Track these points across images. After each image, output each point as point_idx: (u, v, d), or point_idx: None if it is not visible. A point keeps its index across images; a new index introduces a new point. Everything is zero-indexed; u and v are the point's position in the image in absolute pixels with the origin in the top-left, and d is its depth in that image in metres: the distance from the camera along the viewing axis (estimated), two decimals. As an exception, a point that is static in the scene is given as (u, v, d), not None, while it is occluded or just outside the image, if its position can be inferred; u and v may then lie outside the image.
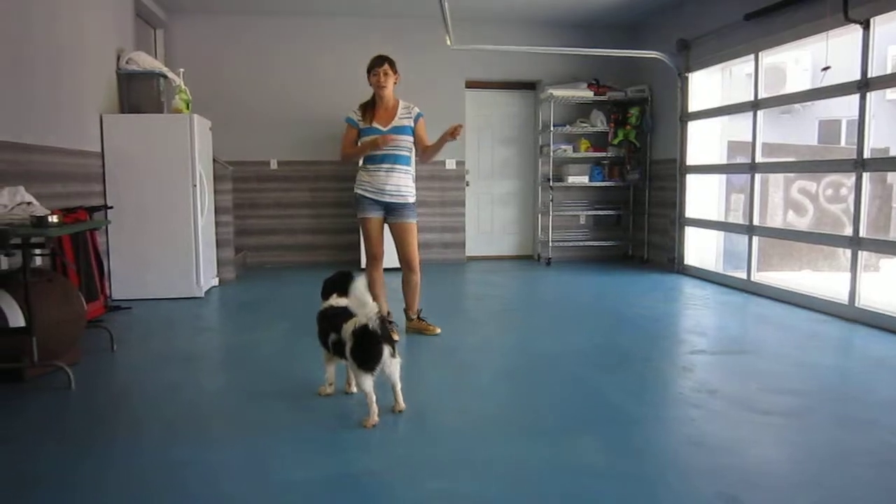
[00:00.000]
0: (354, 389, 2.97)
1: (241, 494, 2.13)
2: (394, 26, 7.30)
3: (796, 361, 3.67)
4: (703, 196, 6.80)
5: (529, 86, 7.97)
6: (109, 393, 3.24)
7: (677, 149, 6.85)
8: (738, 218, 6.99)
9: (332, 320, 2.85)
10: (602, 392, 3.14)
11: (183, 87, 5.59)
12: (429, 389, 3.18)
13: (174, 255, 5.37)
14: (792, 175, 8.97)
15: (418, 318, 4.26)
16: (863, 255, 4.64)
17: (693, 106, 6.70)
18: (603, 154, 7.72)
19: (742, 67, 6.49)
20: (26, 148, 4.04)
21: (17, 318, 3.14)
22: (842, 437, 2.60)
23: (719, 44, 6.13)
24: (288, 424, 2.71)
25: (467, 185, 7.83)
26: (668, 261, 7.04)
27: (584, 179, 7.72)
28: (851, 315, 4.61)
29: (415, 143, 4.13)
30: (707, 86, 6.68)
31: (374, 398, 2.66)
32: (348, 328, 2.71)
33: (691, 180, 6.82)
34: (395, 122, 4.04)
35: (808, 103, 10.53)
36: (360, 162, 4.18)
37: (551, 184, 7.53)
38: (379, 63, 4.03)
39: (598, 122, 7.64)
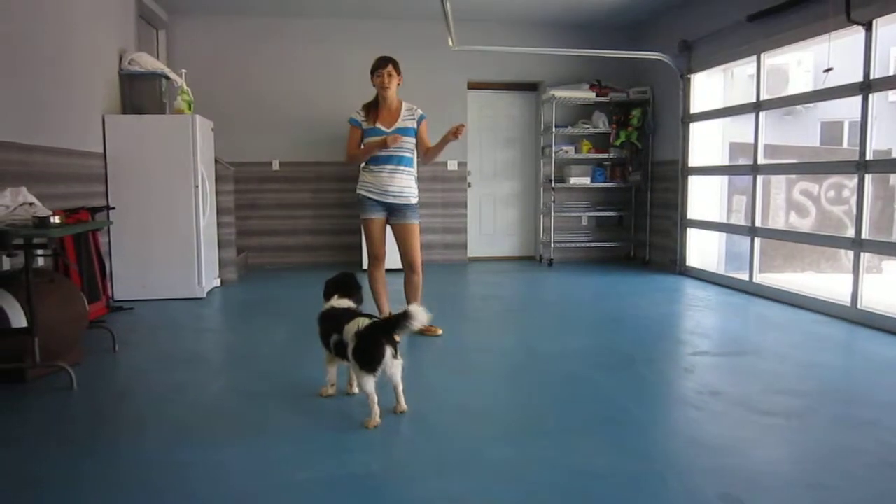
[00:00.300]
0: (356, 390, 2.97)
1: (243, 495, 2.13)
2: (396, 27, 7.31)
3: (798, 362, 3.67)
4: (705, 197, 6.80)
5: (531, 87, 7.97)
6: (111, 393, 3.24)
7: (679, 150, 6.85)
8: (740, 219, 6.97)
9: (333, 321, 2.85)
10: (604, 393, 3.14)
11: (185, 87, 5.60)
12: (430, 390, 3.18)
13: (176, 256, 5.38)
14: (794, 176, 8.96)
15: (420, 319, 4.25)
16: (865, 257, 4.64)
17: (695, 107, 6.70)
18: (605, 155, 7.72)
19: (744, 69, 6.48)
20: (29, 149, 4.04)
21: (19, 319, 3.15)
22: (844, 438, 2.60)
23: (721, 45, 6.13)
24: (289, 425, 2.71)
25: (469, 185, 7.84)
26: (670, 262, 7.04)
27: (585, 180, 7.72)
28: (854, 317, 4.60)
29: (416, 144, 4.13)
30: (709, 87, 6.68)
31: (375, 399, 2.66)
32: (350, 329, 2.71)
33: (693, 182, 6.81)
34: (399, 124, 4.04)
35: (811, 105, 10.53)
36: (363, 163, 4.18)
37: (553, 185, 7.53)
38: (383, 64, 4.02)
39: (600, 124, 7.64)
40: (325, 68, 7.34)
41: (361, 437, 2.57)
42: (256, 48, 7.25)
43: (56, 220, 3.23)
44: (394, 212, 4.10)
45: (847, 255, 5.19)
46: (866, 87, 4.52)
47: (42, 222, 3.16)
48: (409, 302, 4.24)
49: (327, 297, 3.06)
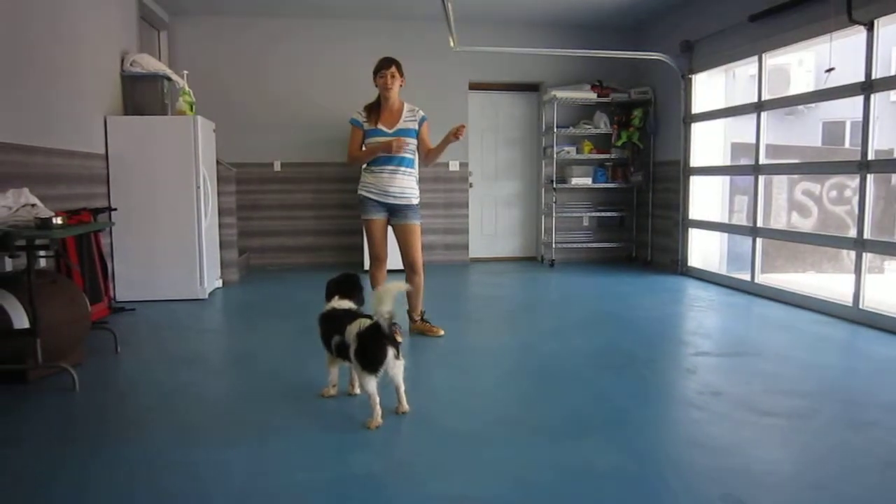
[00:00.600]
0: (358, 391, 2.97)
1: (245, 495, 2.13)
2: (397, 28, 7.32)
3: (800, 363, 3.66)
4: (706, 198, 6.79)
5: (533, 87, 7.97)
6: (113, 394, 3.25)
7: (681, 150, 6.85)
8: (741, 219, 6.96)
9: (335, 322, 2.85)
10: (606, 393, 3.14)
11: (186, 88, 5.60)
12: (432, 391, 3.18)
13: (178, 257, 5.38)
14: (796, 177, 8.94)
15: (422, 319, 4.26)
16: (867, 257, 4.63)
17: (696, 107, 6.70)
18: (606, 156, 7.72)
19: (745, 69, 6.48)
20: (31, 150, 4.05)
21: (21, 320, 3.16)
22: (846, 439, 2.60)
23: (723, 45, 6.12)
24: (291, 426, 2.71)
25: (471, 186, 7.84)
26: (672, 262, 7.03)
27: (587, 181, 7.72)
28: (856, 317, 4.60)
29: (418, 146, 4.13)
30: (710, 87, 6.67)
31: (377, 400, 2.66)
32: (352, 330, 2.71)
33: (695, 182, 6.81)
34: (400, 125, 4.04)
35: (812, 105, 10.50)
36: (365, 164, 4.18)
37: (555, 185, 7.53)
38: (386, 65, 4.02)
39: (602, 124, 7.64)
40: (326, 69, 7.34)
41: (363, 438, 2.57)
42: (258, 49, 7.26)
43: (58, 221, 3.23)
44: (395, 212, 4.11)
45: (849, 256, 5.18)
46: (868, 87, 4.52)
47: (44, 223, 3.17)
48: (410, 303, 4.25)
49: (329, 297, 3.06)
